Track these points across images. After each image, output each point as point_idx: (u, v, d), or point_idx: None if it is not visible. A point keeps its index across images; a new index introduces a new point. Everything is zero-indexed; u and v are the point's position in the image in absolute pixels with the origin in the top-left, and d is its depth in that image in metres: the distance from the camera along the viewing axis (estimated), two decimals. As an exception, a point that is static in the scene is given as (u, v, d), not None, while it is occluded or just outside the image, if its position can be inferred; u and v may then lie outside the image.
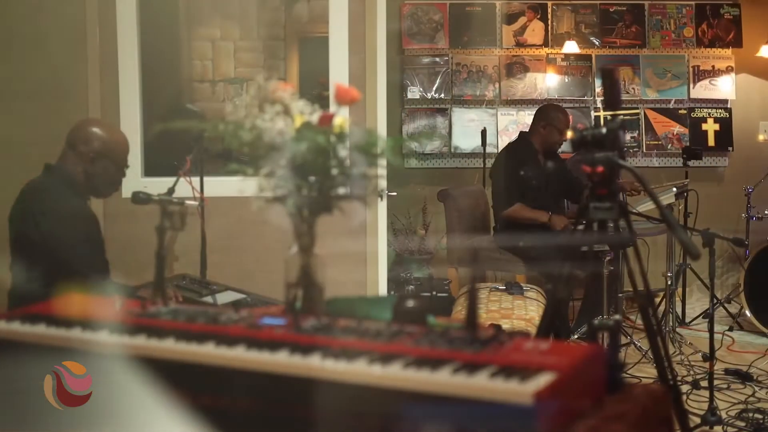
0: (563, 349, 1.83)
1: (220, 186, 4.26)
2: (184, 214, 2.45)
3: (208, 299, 3.77)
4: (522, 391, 1.62)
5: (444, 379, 1.70)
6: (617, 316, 2.83)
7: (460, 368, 1.73)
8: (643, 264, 2.95)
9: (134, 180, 4.28)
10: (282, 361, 1.84)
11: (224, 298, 3.68)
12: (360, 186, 2.36)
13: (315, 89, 4.82)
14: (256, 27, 5.30)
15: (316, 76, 5.02)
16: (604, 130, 2.78)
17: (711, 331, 4.36)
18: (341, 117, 2.39)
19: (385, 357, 1.80)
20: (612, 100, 2.90)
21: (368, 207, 2.44)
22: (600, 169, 2.75)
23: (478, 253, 1.98)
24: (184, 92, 5.26)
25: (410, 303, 2.19)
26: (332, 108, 2.43)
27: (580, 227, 3.01)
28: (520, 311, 4.68)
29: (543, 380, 1.66)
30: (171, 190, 3.94)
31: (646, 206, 5.44)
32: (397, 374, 1.74)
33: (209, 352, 1.92)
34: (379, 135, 2.38)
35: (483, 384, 1.67)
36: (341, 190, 2.35)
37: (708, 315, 4.56)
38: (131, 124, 4.51)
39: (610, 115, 2.87)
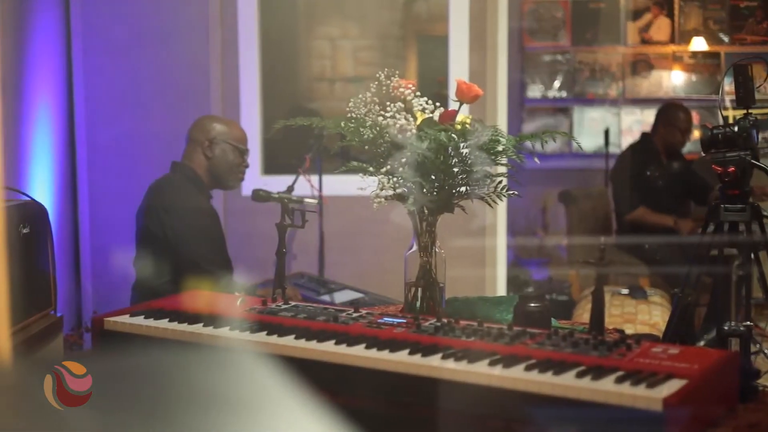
0: (694, 354, 1.76)
1: (339, 184, 4.27)
2: (305, 212, 2.45)
3: (326, 297, 3.79)
4: (651, 396, 1.57)
5: (568, 382, 1.66)
6: (749, 322, 2.73)
7: (586, 372, 1.68)
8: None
9: (254, 178, 4.33)
10: (403, 360, 1.82)
11: (342, 296, 3.69)
12: (482, 185, 2.32)
13: (433, 88, 4.80)
14: (375, 26, 5.31)
15: (434, 75, 5.00)
16: (735, 129, 2.69)
17: None
18: (463, 114, 2.36)
19: (508, 359, 1.77)
20: (745, 97, 2.79)
21: (492, 207, 2.41)
22: (731, 169, 2.66)
23: (603, 255, 1.92)
24: (304, 91, 5.31)
25: (532, 304, 2.14)
26: (453, 105, 2.40)
27: (710, 229, 2.90)
28: (644, 316, 4.56)
29: (673, 386, 1.60)
30: (290, 188, 3.98)
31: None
32: (519, 376, 1.70)
33: (329, 349, 1.91)
34: (502, 132, 2.34)
35: (609, 388, 1.62)
36: (463, 189, 2.32)
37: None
38: (251, 122, 4.57)
39: (743, 113, 2.75)
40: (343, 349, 1.90)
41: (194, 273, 3.11)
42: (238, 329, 2.06)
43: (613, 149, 6.86)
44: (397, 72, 2.38)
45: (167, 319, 2.17)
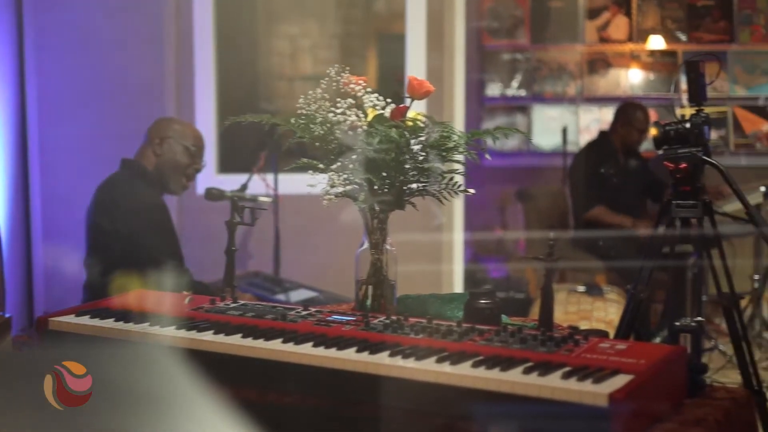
0: (641, 349, 1.76)
1: (295, 183, 4.25)
2: (256, 210, 2.43)
3: (281, 296, 3.77)
4: (597, 392, 1.57)
5: (516, 379, 1.65)
6: (700, 319, 2.74)
7: (533, 368, 1.68)
8: (727, 265, 2.85)
9: (209, 177, 4.30)
10: (350, 358, 1.80)
11: (297, 295, 3.68)
12: (434, 182, 2.31)
13: (393, 86, 4.79)
14: (335, 24, 5.29)
15: (394, 73, 4.99)
16: (687, 125, 2.70)
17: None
18: (415, 111, 2.35)
19: (456, 355, 1.76)
20: (696, 94, 2.80)
21: (444, 204, 2.39)
22: (683, 165, 2.67)
23: (552, 250, 1.92)
24: (262, 90, 5.28)
25: (482, 301, 2.13)
26: (406, 102, 2.39)
27: (662, 226, 2.92)
28: (600, 313, 4.59)
29: (619, 381, 1.60)
30: (244, 187, 3.95)
31: (732, 206, 5.29)
32: (467, 373, 1.70)
33: (276, 348, 1.89)
34: (453, 128, 2.32)
35: (556, 384, 1.61)
36: (414, 186, 2.30)
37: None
38: (206, 121, 4.54)
39: (695, 110, 2.77)
40: (290, 347, 1.88)
41: (145, 269, 3.07)
42: (185, 328, 2.03)
43: (571, 148, 6.89)
44: (348, 68, 2.36)
45: (113, 319, 2.14)
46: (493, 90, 7.33)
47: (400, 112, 2.32)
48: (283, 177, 4.33)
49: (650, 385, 1.64)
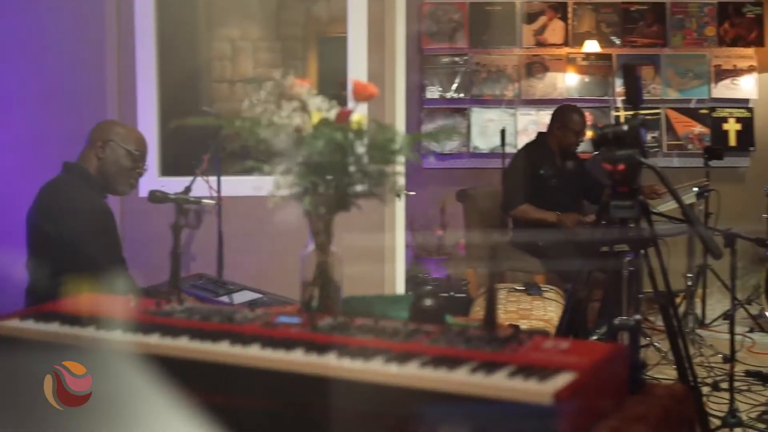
0: (583, 348, 1.80)
1: (238, 185, 4.25)
2: (200, 213, 2.43)
3: (225, 299, 3.76)
4: (541, 390, 1.59)
5: (462, 379, 1.67)
6: (638, 316, 2.80)
7: (478, 367, 1.70)
8: (664, 264, 2.91)
9: (151, 179, 4.27)
10: (297, 359, 1.81)
11: (241, 297, 3.66)
12: (378, 183, 2.33)
13: (334, 89, 4.80)
14: (276, 27, 5.29)
15: (335, 76, 5.00)
16: (625, 128, 2.76)
17: (732, 332, 4.31)
18: (359, 114, 2.37)
19: (402, 356, 1.78)
20: (633, 97, 2.87)
21: (386, 205, 2.41)
22: (621, 167, 2.72)
23: (497, 252, 1.95)
24: (203, 92, 5.25)
25: (427, 302, 2.16)
26: (350, 105, 2.41)
27: (601, 226, 2.97)
28: (539, 312, 4.65)
29: (563, 380, 1.63)
30: (188, 189, 3.93)
31: (667, 206, 5.40)
32: (413, 373, 1.71)
33: (223, 350, 1.89)
34: (397, 131, 2.35)
35: (501, 383, 1.64)
36: (359, 188, 2.32)
37: (728, 316, 4.51)
38: (148, 123, 4.51)
39: (632, 113, 2.83)
40: (237, 349, 1.88)
41: (89, 273, 3.05)
42: (131, 331, 2.03)
43: (510, 150, 6.97)
44: (293, 71, 2.37)
45: (58, 323, 2.12)
46: (433, 93, 7.38)
47: (345, 115, 2.34)
48: (226, 179, 4.32)
49: (593, 383, 1.68)
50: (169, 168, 4.65)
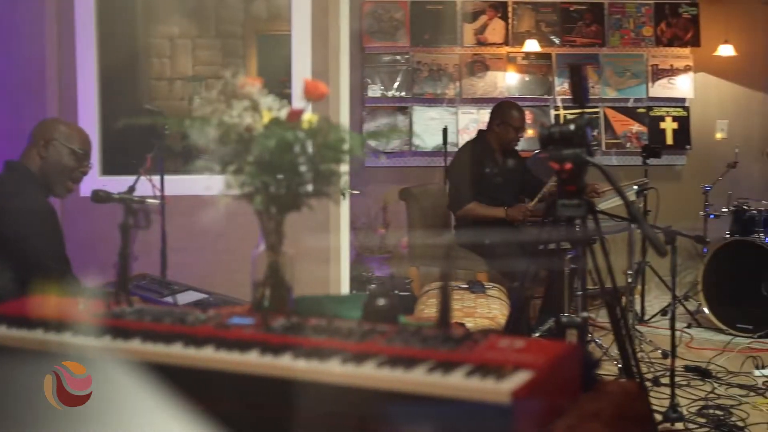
0: (539, 346, 1.81)
1: (181, 184, 4.20)
2: (149, 212, 2.40)
3: (169, 299, 3.71)
4: (499, 389, 1.60)
5: (419, 378, 1.67)
6: (585, 314, 2.83)
7: (435, 367, 1.70)
8: (610, 261, 2.94)
9: (92, 179, 4.20)
10: (253, 361, 1.80)
11: (186, 298, 3.62)
12: (327, 183, 2.32)
13: (275, 87, 4.77)
14: (214, 24, 5.25)
15: (275, 74, 4.98)
16: (572, 127, 2.78)
17: (672, 328, 4.38)
18: (310, 113, 2.36)
19: (358, 356, 1.77)
20: (580, 96, 2.89)
21: (334, 204, 2.41)
22: (568, 165, 2.75)
23: (450, 251, 1.95)
24: (142, 90, 5.19)
25: (381, 301, 2.16)
26: (300, 104, 2.39)
27: (546, 224, 3.00)
28: (483, 310, 4.67)
29: (520, 378, 1.63)
30: (132, 189, 3.88)
31: (608, 204, 5.46)
32: (370, 373, 1.71)
33: (177, 352, 1.87)
34: (346, 131, 2.34)
35: (459, 383, 1.64)
36: (310, 188, 2.31)
37: (667, 312, 4.58)
38: (89, 121, 4.44)
39: (577, 112, 2.86)
40: (191, 351, 1.86)
41: (34, 274, 2.99)
42: (81, 334, 1.99)
43: (451, 148, 7.01)
44: (242, 70, 2.36)
45: (5, 325, 2.08)
46: (375, 91, 7.38)
47: (296, 115, 2.32)
48: (169, 178, 4.27)
49: (549, 382, 1.69)
50: (110, 167, 4.59)
